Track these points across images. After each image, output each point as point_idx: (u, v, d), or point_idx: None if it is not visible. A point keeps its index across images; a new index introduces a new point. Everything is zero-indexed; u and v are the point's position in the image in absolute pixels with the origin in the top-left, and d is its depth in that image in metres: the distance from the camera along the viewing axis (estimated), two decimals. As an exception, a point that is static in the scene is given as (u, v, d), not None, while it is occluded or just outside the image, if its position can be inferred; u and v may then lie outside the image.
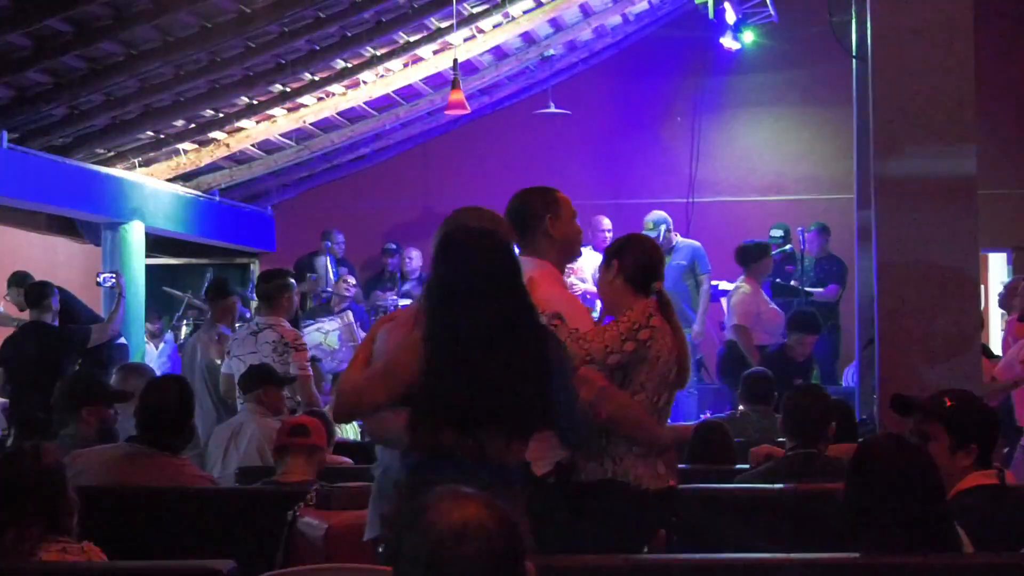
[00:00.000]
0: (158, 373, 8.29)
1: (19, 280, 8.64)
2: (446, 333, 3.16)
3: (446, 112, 10.95)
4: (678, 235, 10.51)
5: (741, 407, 6.92)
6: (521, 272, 3.32)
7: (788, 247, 11.05)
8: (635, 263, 4.04)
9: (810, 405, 4.86)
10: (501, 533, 1.90)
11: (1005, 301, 9.14)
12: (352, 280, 11.11)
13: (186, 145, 10.86)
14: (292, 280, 7.03)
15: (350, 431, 7.57)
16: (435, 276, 3.27)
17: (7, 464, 3.32)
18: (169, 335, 11.35)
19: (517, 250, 3.66)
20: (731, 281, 10.99)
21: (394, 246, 12.07)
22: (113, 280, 8.41)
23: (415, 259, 11.83)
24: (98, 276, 9.01)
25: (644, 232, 8.68)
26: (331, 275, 11.43)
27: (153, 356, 10.78)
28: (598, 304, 5.29)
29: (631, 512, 3.83)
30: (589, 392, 3.67)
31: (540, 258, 4.00)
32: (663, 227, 10.08)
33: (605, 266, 4.11)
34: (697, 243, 10.49)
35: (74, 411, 5.19)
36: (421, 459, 3.21)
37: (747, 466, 5.15)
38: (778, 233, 11.19)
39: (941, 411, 3.61)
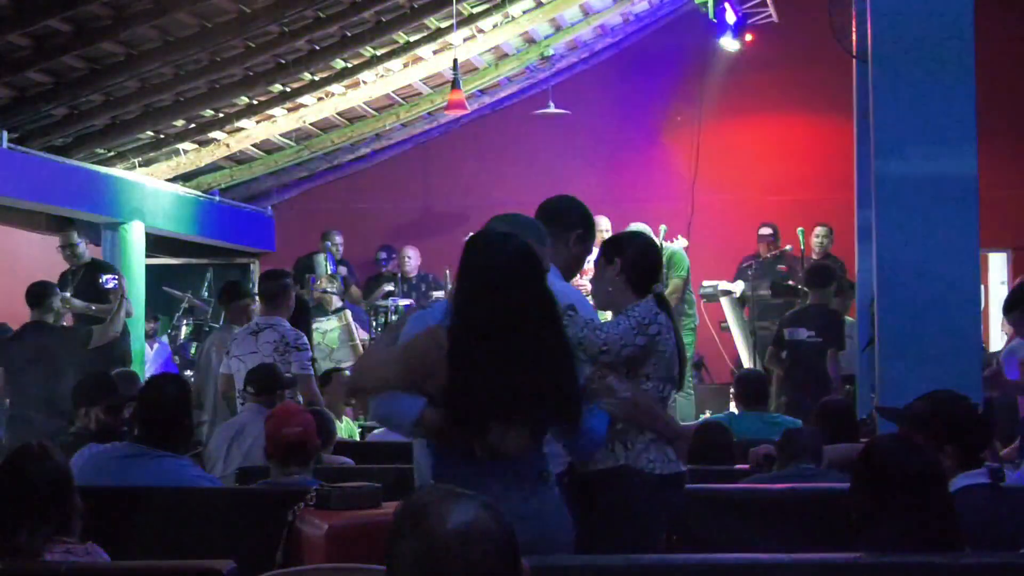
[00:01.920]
0: (151, 374, 8.27)
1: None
2: (468, 327, 3.26)
3: (446, 112, 10.95)
4: (667, 243, 9.91)
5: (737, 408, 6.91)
6: (543, 275, 3.37)
7: (786, 248, 11.08)
8: (638, 263, 4.02)
9: (799, 434, 5.00)
10: (502, 535, 1.90)
11: None
12: (323, 283, 11.01)
13: (186, 145, 10.86)
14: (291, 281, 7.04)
15: (345, 431, 7.56)
16: (459, 275, 3.37)
17: (20, 463, 3.31)
18: (164, 337, 11.33)
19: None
20: (730, 281, 10.99)
21: (385, 253, 12.03)
22: (115, 282, 8.38)
23: (413, 259, 11.81)
24: (100, 277, 8.99)
25: None
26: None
27: (148, 357, 10.76)
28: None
29: (647, 498, 3.82)
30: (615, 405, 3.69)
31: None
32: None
33: (605, 262, 4.06)
34: (679, 248, 10.00)
35: (85, 410, 5.18)
36: (444, 452, 3.30)
37: (747, 466, 5.16)
38: (767, 231, 11.11)
39: (916, 413, 3.61)
